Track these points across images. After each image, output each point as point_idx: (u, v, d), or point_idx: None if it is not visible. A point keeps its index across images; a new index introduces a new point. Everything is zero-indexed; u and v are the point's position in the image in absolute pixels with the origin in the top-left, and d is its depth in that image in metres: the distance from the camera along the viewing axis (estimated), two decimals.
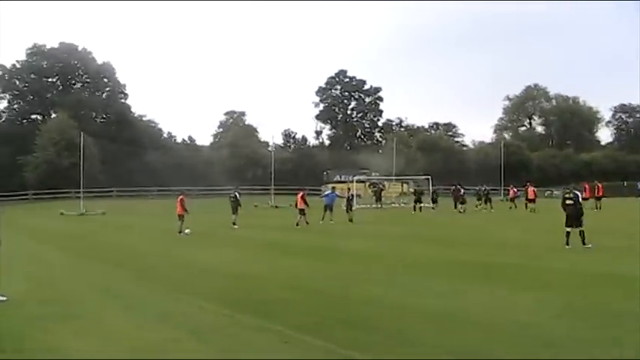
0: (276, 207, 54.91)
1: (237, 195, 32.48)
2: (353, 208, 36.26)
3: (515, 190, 51.15)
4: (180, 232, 27.28)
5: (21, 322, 10.16)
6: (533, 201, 45.39)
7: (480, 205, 46.63)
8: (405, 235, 26.52)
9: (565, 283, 13.46)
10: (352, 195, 37.07)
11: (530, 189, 46.35)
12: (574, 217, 19.95)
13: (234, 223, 30.80)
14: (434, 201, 48.74)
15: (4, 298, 11.67)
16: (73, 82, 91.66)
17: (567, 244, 19.69)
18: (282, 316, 10.22)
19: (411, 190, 55.81)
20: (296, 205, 33.25)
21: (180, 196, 28.91)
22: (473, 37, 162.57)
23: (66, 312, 10.89)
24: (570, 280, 13.78)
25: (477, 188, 49.79)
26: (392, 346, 8.37)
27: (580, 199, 20.53)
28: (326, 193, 34.83)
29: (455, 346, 8.32)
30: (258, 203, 53.67)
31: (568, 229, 19.94)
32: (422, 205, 45.13)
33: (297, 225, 31.45)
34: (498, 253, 19.41)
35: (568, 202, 20.37)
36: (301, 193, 33.48)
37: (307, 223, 31.65)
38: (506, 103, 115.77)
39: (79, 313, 10.88)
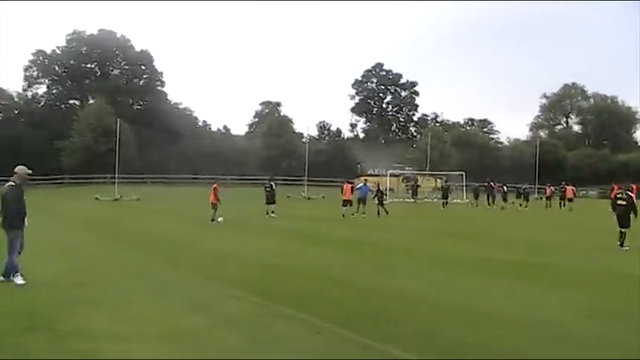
0: (309, 198, 54.96)
1: (273, 185, 32.54)
2: (384, 202, 36.02)
3: (552, 188, 50.64)
4: (213, 220, 27.40)
5: (55, 304, 10.29)
6: (571, 200, 45.02)
7: (517, 202, 46.10)
8: (436, 231, 26.39)
9: (598, 284, 13.27)
10: (381, 190, 36.79)
11: (569, 188, 45.97)
12: (622, 218, 19.62)
13: (269, 213, 30.96)
14: (476, 197, 48.36)
15: (23, 282, 11.78)
16: (111, 68, 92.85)
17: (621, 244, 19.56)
18: (314, 307, 10.20)
19: (438, 185, 55.54)
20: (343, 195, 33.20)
21: (214, 185, 29.02)
22: (511, 33, 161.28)
23: (99, 296, 11.02)
24: (604, 281, 13.57)
25: (519, 186, 49.32)
26: (422, 341, 8.30)
27: (634, 200, 20.09)
28: (359, 186, 34.76)
29: (484, 343, 8.23)
30: (291, 194, 53.75)
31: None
32: (448, 201, 45.01)
33: (353, 215, 32.03)
34: (530, 251, 19.13)
35: (620, 202, 20.07)
36: (351, 185, 33.47)
37: (344, 215, 31.63)
38: (544, 101, 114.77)
39: (112, 297, 10.99)
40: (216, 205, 28.02)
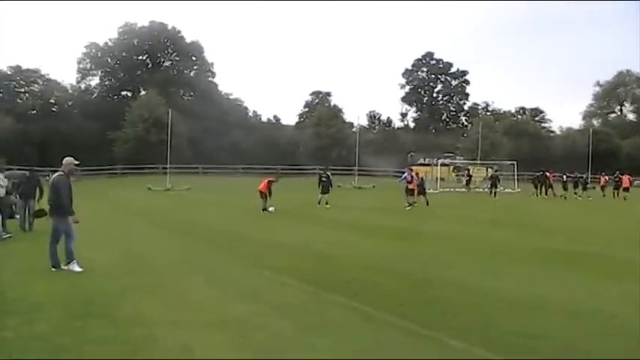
0: (360, 188, 54.88)
1: (330, 175, 32.65)
2: (427, 192, 35.53)
3: (606, 177, 49.55)
4: (264, 210, 27.56)
5: (110, 291, 10.57)
6: (627, 189, 44.22)
7: (579, 192, 45.36)
8: (487, 220, 26.07)
9: None
10: (422, 178, 36.32)
11: (626, 177, 45.12)
12: None
13: (325, 203, 30.96)
14: (535, 187, 47.63)
15: (81, 269, 12.16)
16: (162, 60, 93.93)
17: None
18: (365, 296, 10.28)
19: (489, 175, 54.61)
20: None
21: (270, 179, 28.91)
22: (563, 19, 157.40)
23: (152, 284, 11.26)
24: None
25: (574, 175, 48.45)
26: (475, 330, 8.30)
27: None
28: (404, 176, 34.49)
29: (535, 333, 8.21)
30: (341, 184, 53.75)
31: None
32: (497, 190, 44.58)
33: (413, 205, 31.75)
34: (584, 241, 18.84)
35: None
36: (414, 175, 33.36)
37: (411, 204, 31.66)
38: (597, 89, 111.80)
39: (165, 285, 11.22)
40: (264, 194, 28.08)
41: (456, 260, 14.71)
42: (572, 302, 10.11)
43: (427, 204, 33.28)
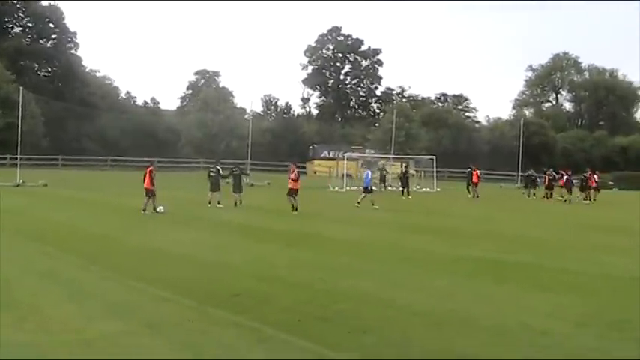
0: (252, 185, 54.73)
1: (220, 170, 32.65)
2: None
3: (595, 178, 49.87)
4: (144, 210, 27.11)
5: None
6: (597, 189, 47.80)
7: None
8: (402, 224, 26.64)
9: (592, 287, 13.50)
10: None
11: (592, 175, 48.17)
12: None
13: (212, 202, 31.11)
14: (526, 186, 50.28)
15: None
16: (11, 25, 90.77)
17: None
18: (258, 312, 10.35)
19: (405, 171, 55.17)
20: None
21: (150, 168, 28.48)
22: None
23: (2, 299, 10.94)
24: (599, 285, 13.78)
25: (526, 174, 50.84)
26: (384, 349, 8.52)
27: None
28: (365, 174, 35.41)
29: (459, 352, 8.44)
30: (229, 180, 53.45)
31: None
32: (408, 189, 45.89)
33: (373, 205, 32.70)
34: (513, 249, 19.49)
35: None
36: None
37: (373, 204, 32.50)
38: (529, 74, 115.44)
39: (17, 300, 10.94)
40: (151, 193, 27.67)
41: (363, 269, 14.95)
42: (499, 317, 10.44)
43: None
